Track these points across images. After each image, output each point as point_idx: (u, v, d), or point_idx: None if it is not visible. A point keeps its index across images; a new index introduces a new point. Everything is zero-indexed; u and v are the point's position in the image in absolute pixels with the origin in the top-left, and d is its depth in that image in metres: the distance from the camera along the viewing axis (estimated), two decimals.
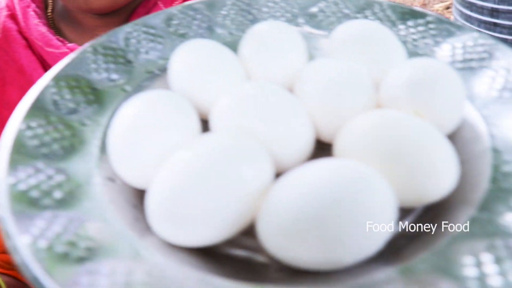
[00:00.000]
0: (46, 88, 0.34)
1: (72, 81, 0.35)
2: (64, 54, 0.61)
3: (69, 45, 0.62)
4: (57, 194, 0.27)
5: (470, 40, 0.39)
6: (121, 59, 0.39)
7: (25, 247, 0.23)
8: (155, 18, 0.42)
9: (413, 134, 0.28)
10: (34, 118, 0.31)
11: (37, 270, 0.22)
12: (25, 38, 0.65)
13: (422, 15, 0.43)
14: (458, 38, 0.40)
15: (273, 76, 0.36)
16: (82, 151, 0.31)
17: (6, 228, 0.24)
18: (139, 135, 0.29)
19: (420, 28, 0.42)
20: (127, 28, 0.41)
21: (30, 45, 0.65)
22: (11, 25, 0.66)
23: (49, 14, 0.68)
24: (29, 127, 0.31)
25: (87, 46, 0.38)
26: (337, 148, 0.30)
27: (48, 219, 0.25)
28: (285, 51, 0.37)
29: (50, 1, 0.69)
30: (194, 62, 0.35)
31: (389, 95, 0.32)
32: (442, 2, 3.39)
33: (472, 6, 1.64)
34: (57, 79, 0.35)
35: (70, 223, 0.25)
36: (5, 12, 0.66)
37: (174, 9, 0.43)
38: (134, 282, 0.22)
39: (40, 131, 0.31)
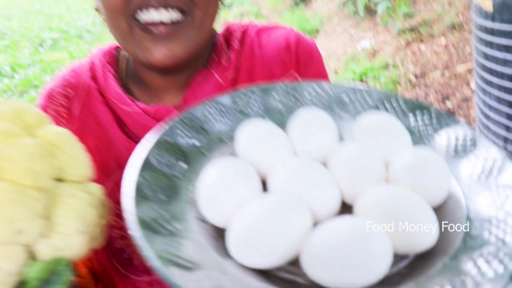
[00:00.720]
0: (151, 149, 0.50)
1: (167, 144, 0.52)
2: (136, 112, 0.79)
3: (140, 104, 0.80)
4: (167, 226, 0.42)
5: (461, 132, 0.55)
6: (200, 129, 0.55)
7: (154, 257, 0.38)
8: (225, 98, 0.59)
9: (408, 204, 0.43)
10: (145, 171, 0.47)
11: (165, 272, 0.37)
12: (103, 96, 0.83)
13: (427, 109, 0.58)
14: (453, 129, 0.55)
15: (312, 151, 0.52)
16: (179, 198, 0.47)
17: (140, 244, 0.39)
18: (220, 189, 0.45)
19: (425, 119, 0.58)
20: (204, 105, 0.57)
21: (106, 102, 0.82)
22: (92, 84, 0.84)
23: (122, 76, 0.86)
24: (143, 177, 0.47)
25: (176, 118, 0.55)
26: (356, 209, 0.45)
27: (164, 241, 0.40)
28: (321, 133, 0.53)
29: (124, 66, 0.87)
30: (254, 137, 0.51)
31: (394, 174, 0.48)
32: (463, 63, 3.55)
33: (492, 72, 1.77)
34: (157, 143, 0.51)
35: (178, 245, 0.41)
36: (88, 74, 0.85)
37: (239, 91, 0.60)
38: (224, 286, 0.37)
39: (150, 180, 0.47)
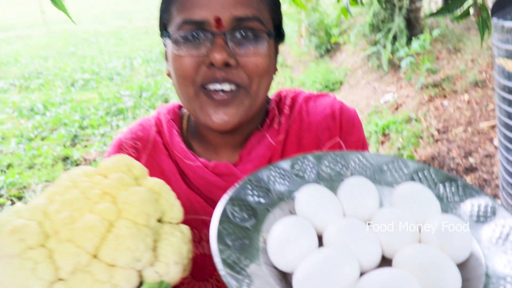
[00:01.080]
0: (226, 205, 0.62)
1: (239, 201, 0.64)
2: (198, 166, 0.91)
3: (201, 159, 0.92)
4: (245, 267, 0.54)
5: (483, 202, 0.66)
6: (264, 189, 0.67)
7: None
8: (285, 163, 0.72)
9: (437, 260, 0.54)
10: (224, 222, 0.59)
11: None
12: (167, 150, 0.96)
13: (455, 180, 0.70)
14: (476, 199, 0.67)
15: (358, 213, 0.64)
16: (251, 246, 0.58)
17: (227, 281, 0.51)
18: (285, 242, 0.57)
19: (453, 189, 0.69)
20: (268, 168, 0.70)
21: (171, 156, 0.95)
22: (158, 139, 0.97)
23: (184, 133, 1.00)
24: (223, 228, 0.59)
25: (245, 179, 0.67)
26: (394, 262, 0.57)
27: (244, 280, 0.52)
28: (366, 198, 0.65)
29: (186, 123, 1.01)
30: (311, 199, 0.64)
31: (425, 235, 0.60)
32: (487, 120, 3.63)
33: None
34: (230, 199, 0.63)
35: (254, 283, 0.52)
36: (155, 129, 0.98)
37: (296, 158, 0.72)
38: None
39: (229, 231, 0.59)
